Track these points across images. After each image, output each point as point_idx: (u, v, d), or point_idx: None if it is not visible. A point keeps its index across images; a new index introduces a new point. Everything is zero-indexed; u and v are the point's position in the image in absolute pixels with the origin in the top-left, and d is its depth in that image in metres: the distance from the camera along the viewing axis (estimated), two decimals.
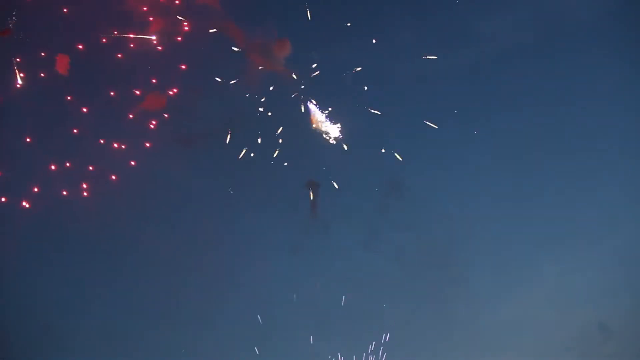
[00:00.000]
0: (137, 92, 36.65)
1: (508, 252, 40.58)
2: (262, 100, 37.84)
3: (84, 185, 36.61)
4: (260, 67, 37.62)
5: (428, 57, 38.12)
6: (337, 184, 39.37)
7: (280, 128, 38.58)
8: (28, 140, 35.17)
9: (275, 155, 38.37)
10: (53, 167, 36.05)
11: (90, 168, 36.81)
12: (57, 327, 36.62)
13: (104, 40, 35.61)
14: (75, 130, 35.96)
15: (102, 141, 36.54)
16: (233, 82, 37.32)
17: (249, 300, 39.05)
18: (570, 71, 39.90)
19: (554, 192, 40.38)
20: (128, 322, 38.27)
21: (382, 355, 38.48)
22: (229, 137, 38.18)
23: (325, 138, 38.64)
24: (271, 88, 37.93)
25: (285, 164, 38.60)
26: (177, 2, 36.57)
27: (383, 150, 38.93)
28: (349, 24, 37.68)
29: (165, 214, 39.88)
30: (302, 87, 38.13)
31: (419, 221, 40.05)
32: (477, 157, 41.01)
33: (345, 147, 38.47)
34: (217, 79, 37.27)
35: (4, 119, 35.56)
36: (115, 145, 36.75)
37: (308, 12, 36.58)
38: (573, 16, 39.34)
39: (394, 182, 40.16)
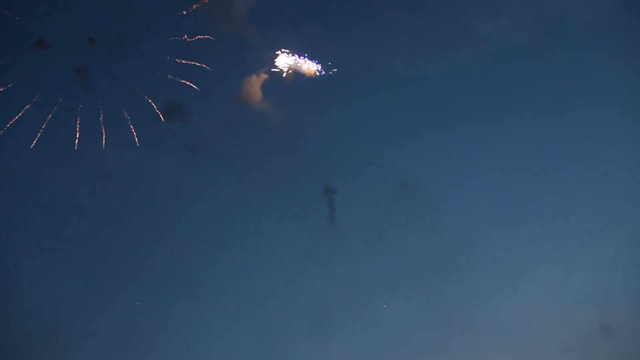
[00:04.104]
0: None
1: (508, 253, 40.82)
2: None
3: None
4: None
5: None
6: (347, 187, 40.28)
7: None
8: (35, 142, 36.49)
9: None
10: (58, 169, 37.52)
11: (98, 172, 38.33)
12: (57, 328, 37.21)
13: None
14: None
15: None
16: None
17: (259, 302, 39.88)
18: (571, 73, 40.48)
19: (554, 193, 40.62)
20: (139, 324, 38.71)
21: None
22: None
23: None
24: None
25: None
26: None
27: None
28: (348, 25, 38.90)
29: (176, 218, 41.08)
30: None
31: (421, 222, 40.57)
32: (478, 158, 41.57)
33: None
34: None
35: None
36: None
37: None
38: (573, 17, 40.16)
39: (401, 184, 40.99)
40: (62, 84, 36.65)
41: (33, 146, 35.46)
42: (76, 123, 36.55)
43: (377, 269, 40.41)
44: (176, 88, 38.17)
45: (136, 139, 37.03)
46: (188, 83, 37.51)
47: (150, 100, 37.15)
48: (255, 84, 38.51)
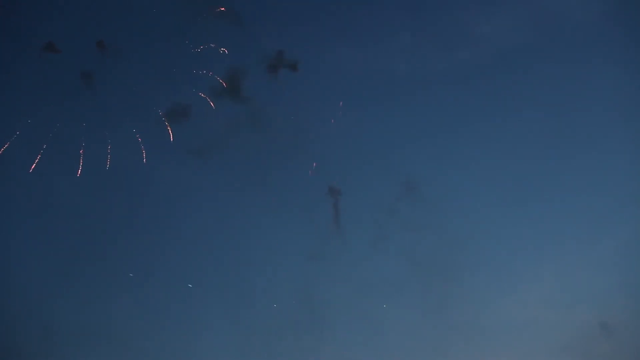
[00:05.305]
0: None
1: (509, 253, 40.82)
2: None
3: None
4: None
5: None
6: (350, 188, 40.46)
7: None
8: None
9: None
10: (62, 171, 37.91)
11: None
12: (56, 329, 37.31)
13: None
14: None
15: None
16: None
17: (260, 303, 39.89)
18: (570, 73, 40.61)
19: (553, 193, 40.66)
20: (141, 326, 38.67)
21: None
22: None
23: None
24: None
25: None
26: None
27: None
28: (348, 26, 39.16)
29: (178, 220, 41.21)
30: None
31: (422, 222, 40.67)
32: (477, 158, 41.73)
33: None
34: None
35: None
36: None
37: None
38: (572, 18, 40.28)
39: (404, 184, 40.97)
40: (66, 91, 37.41)
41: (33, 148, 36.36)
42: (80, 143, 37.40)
43: (379, 269, 40.68)
44: (178, 92, 39.00)
45: (144, 154, 37.72)
46: (208, 99, 38.16)
47: (165, 121, 37.81)
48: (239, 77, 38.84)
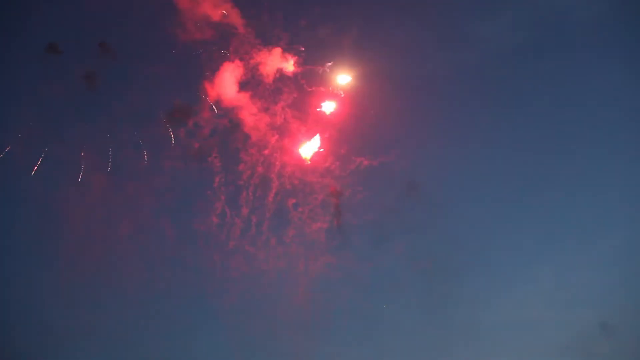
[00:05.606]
0: None
1: (508, 253, 40.85)
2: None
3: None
4: None
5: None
6: (352, 188, 40.47)
7: None
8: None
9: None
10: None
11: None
12: (56, 329, 37.58)
13: None
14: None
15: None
16: None
17: (259, 303, 40.02)
18: (570, 74, 40.50)
19: (553, 193, 40.47)
20: (142, 326, 39.33)
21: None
22: None
23: None
24: None
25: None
26: None
27: None
28: (347, 25, 39.16)
29: (181, 222, 41.11)
30: None
31: (420, 222, 40.62)
32: (476, 158, 41.60)
33: None
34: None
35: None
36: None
37: None
38: (572, 17, 40.19)
39: (404, 184, 40.94)
40: (67, 93, 37.66)
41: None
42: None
43: (379, 269, 40.65)
44: (180, 93, 39.24)
45: (145, 156, 38.03)
46: (209, 101, 38.41)
47: (167, 123, 38.10)
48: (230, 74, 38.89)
